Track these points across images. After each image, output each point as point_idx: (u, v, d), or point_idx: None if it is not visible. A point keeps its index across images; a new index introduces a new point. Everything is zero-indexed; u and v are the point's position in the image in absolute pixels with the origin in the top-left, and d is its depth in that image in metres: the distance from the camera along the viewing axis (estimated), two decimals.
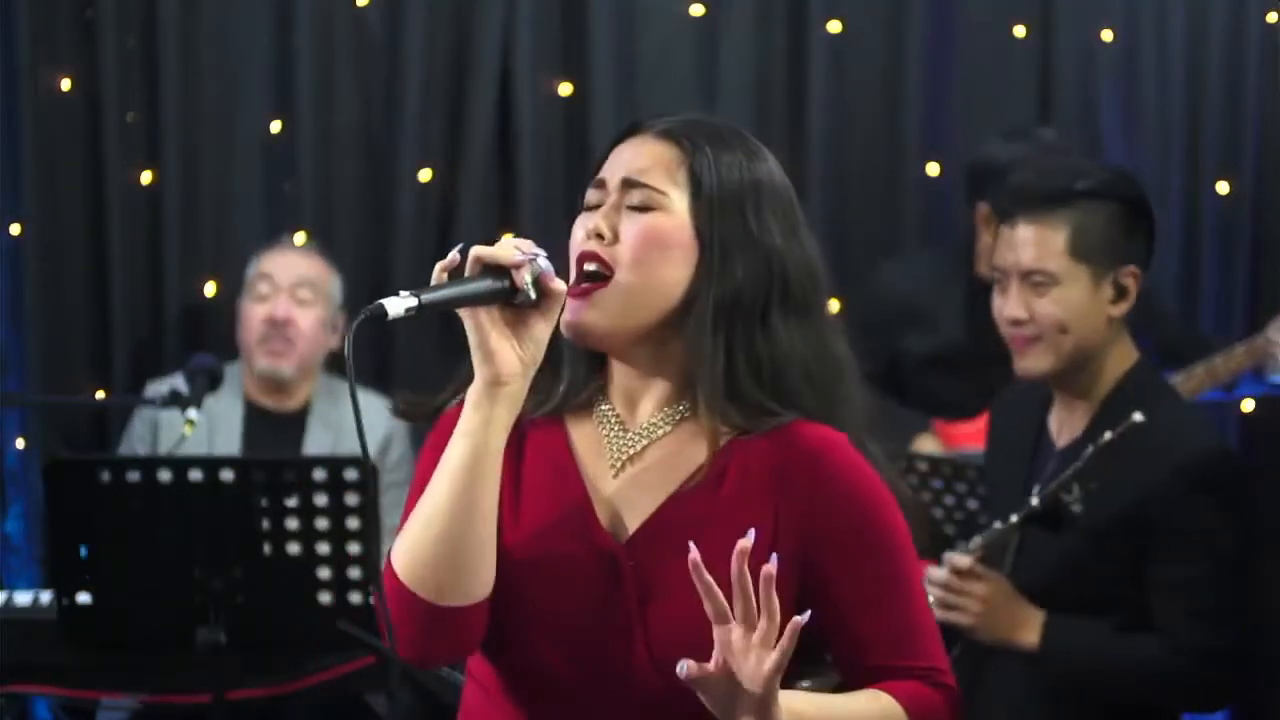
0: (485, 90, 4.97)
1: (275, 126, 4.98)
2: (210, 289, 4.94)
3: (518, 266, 2.03)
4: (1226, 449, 3.22)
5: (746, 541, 1.94)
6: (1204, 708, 3.29)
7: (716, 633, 1.97)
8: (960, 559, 3.11)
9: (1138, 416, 3.01)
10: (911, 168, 5.08)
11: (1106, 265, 3.11)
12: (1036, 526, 3.09)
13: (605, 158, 2.18)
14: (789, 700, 2.01)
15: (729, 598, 1.98)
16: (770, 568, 1.93)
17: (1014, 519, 3.10)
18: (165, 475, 3.59)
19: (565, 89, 5.04)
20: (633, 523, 2.12)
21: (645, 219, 2.11)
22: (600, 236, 2.12)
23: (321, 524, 3.61)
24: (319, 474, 3.61)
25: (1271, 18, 5.08)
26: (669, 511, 2.11)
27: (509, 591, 2.08)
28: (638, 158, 2.13)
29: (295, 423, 4.59)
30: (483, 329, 2.04)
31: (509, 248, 2.05)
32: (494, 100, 4.98)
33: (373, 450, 4.47)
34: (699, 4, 5.07)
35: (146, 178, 4.94)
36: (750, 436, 2.12)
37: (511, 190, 5.00)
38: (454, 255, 2.04)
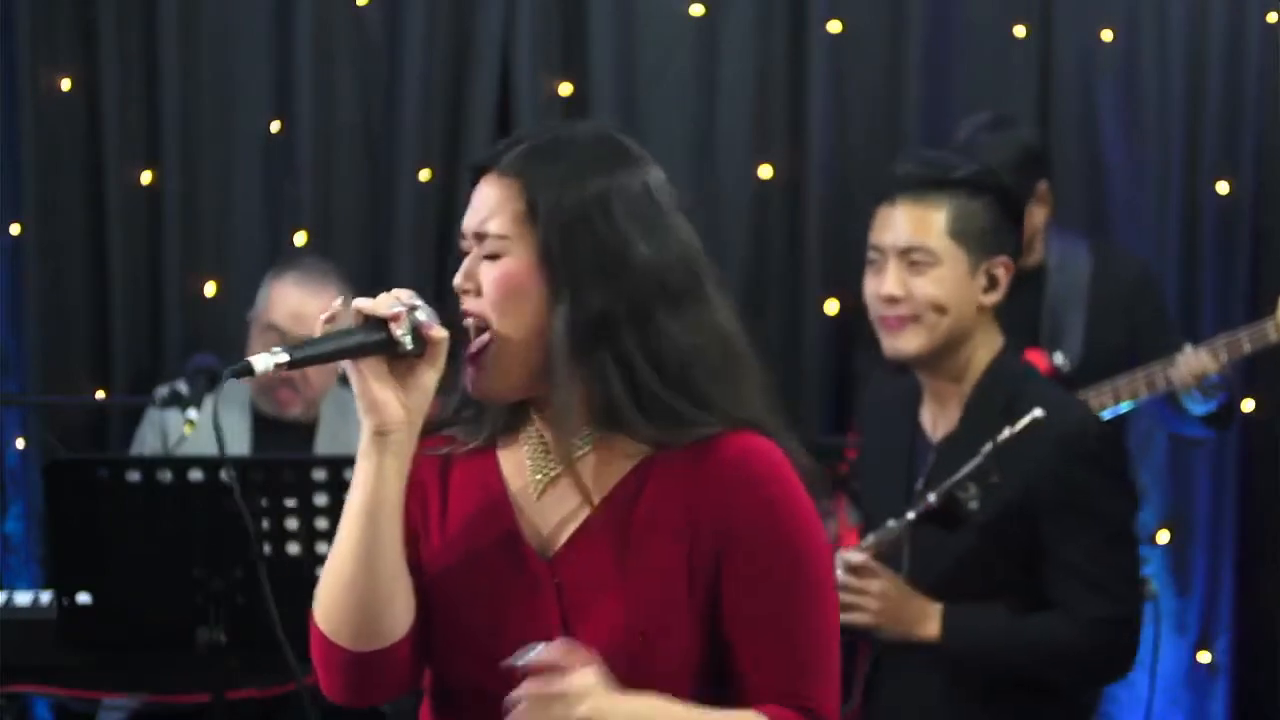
0: (485, 90, 4.97)
1: (275, 126, 4.98)
2: (210, 289, 4.94)
3: (394, 319, 2.05)
4: (1097, 418, 3.26)
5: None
6: (1108, 677, 3.32)
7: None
8: (854, 555, 3.15)
9: (1038, 412, 3.06)
10: None
11: (982, 253, 3.16)
12: (930, 524, 3.11)
13: (471, 190, 2.19)
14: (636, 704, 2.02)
15: (639, 590, 2.06)
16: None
17: (910, 516, 3.13)
18: (165, 475, 3.59)
19: (565, 89, 5.04)
20: (557, 542, 2.14)
21: (496, 268, 2.13)
22: (466, 293, 2.15)
23: (321, 524, 3.62)
24: (319, 474, 3.61)
25: (1271, 18, 5.08)
26: (589, 530, 2.13)
27: (444, 616, 2.13)
28: (482, 206, 2.14)
29: (304, 435, 4.58)
30: (364, 380, 2.06)
31: (386, 300, 2.08)
32: (494, 100, 4.98)
33: None
34: (699, 4, 5.07)
35: (146, 178, 4.94)
36: (672, 451, 2.11)
37: None
38: (336, 305, 2.08)
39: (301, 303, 4.49)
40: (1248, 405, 5.07)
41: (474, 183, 2.17)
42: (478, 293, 2.13)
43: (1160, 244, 5.08)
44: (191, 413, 4.00)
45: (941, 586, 3.15)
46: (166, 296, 4.93)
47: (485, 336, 2.12)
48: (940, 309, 3.15)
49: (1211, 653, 5.06)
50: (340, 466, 3.62)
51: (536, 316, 2.10)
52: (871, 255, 3.24)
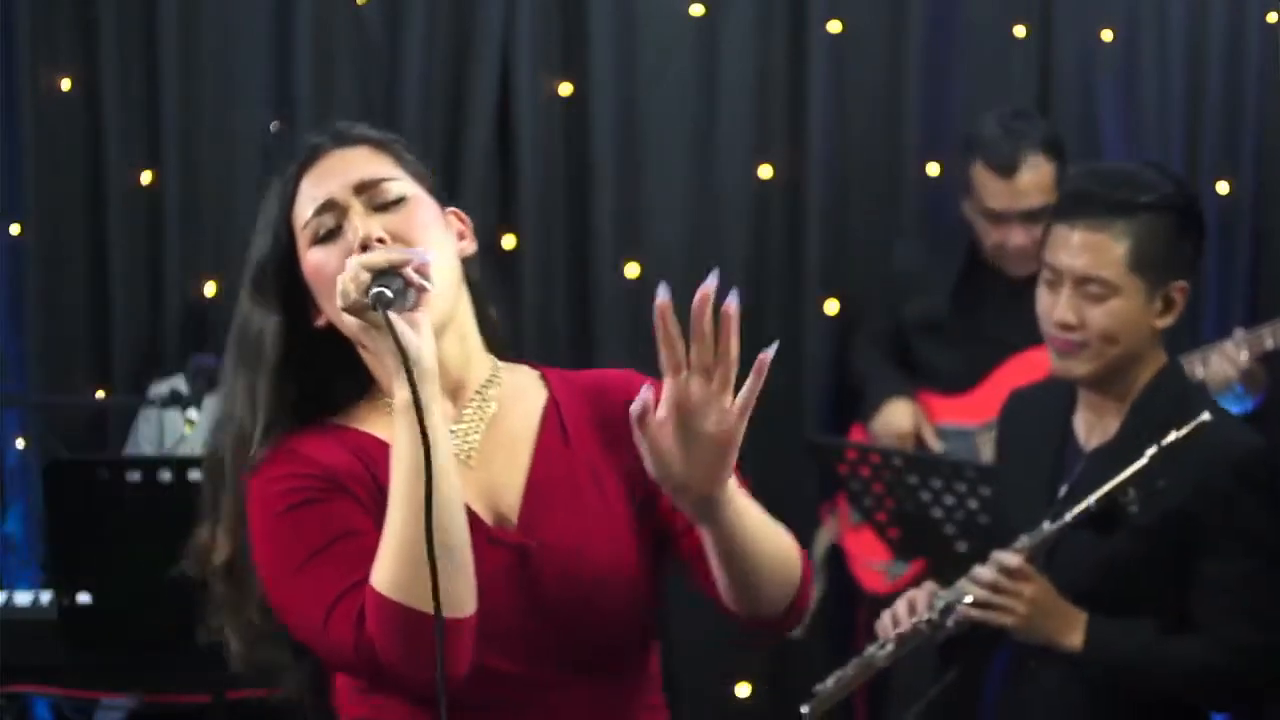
0: (485, 90, 4.97)
1: (275, 126, 4.97)
2: (210, 289, 4.94)
3: (406, 264, 2.00)
4: (1267, 447, 3.20)
5: (709, 286, 1.88)
6: (1245, 703, 3.23)
7: (667, 386, 1.92)
8: (1010, 558, 3.07)
9: (1206, 415, 2.99)
10: (911, 168, 5.09)
11: (1160, 279, 3.08)
12: (1086, 529, 3.06)
13: (289, 196, 2.18)
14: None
15: (602, 524, 2.09)
16: (731, 307, 1.89)
17: (1068, 519, 3.05)
18: (165, 475, 3.59)
19: (565, 89, 5.04)
20: (511, 501, 2.13)
21: (405, 210, 2.14)
22: (381, 241, 2.09)
23: None
24: None
25: (1271, 18, 5.08)
26: (538, 472, 2.14)
27: None
28: (350, 165, 2.16)
29: None
30: (401, 331, 1.97)
31: (389, 251, 2.04)
32: (494, 100, 4.98)
33: None
34: (699, 4, 5.07)
35: (146, 178, 4.94)
36: (548, 380, 2.21)
37: (511, 190, 5.00)
38: (350, 264, 2.01)
39: None
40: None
41: (294, 180, 2.19)
42: (391, 240, 2.10)
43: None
44: (192, 412, 4.00)
45: (1082, 591, 3.09)
46: (166, 296, 4.93)
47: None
48: (1113, 340, 3.08)
49: None
50: None
51: (450, 249, 2.15)
52: (1046, 274, 3.13)
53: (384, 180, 2.14)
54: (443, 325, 2.09)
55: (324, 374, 2.16)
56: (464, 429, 2.15)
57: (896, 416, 4.64)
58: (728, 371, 1.91)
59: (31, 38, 4.83)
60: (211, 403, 4.25)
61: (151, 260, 4.94)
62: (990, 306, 4.56)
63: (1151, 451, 2.98)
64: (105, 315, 4.93)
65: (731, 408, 1.92)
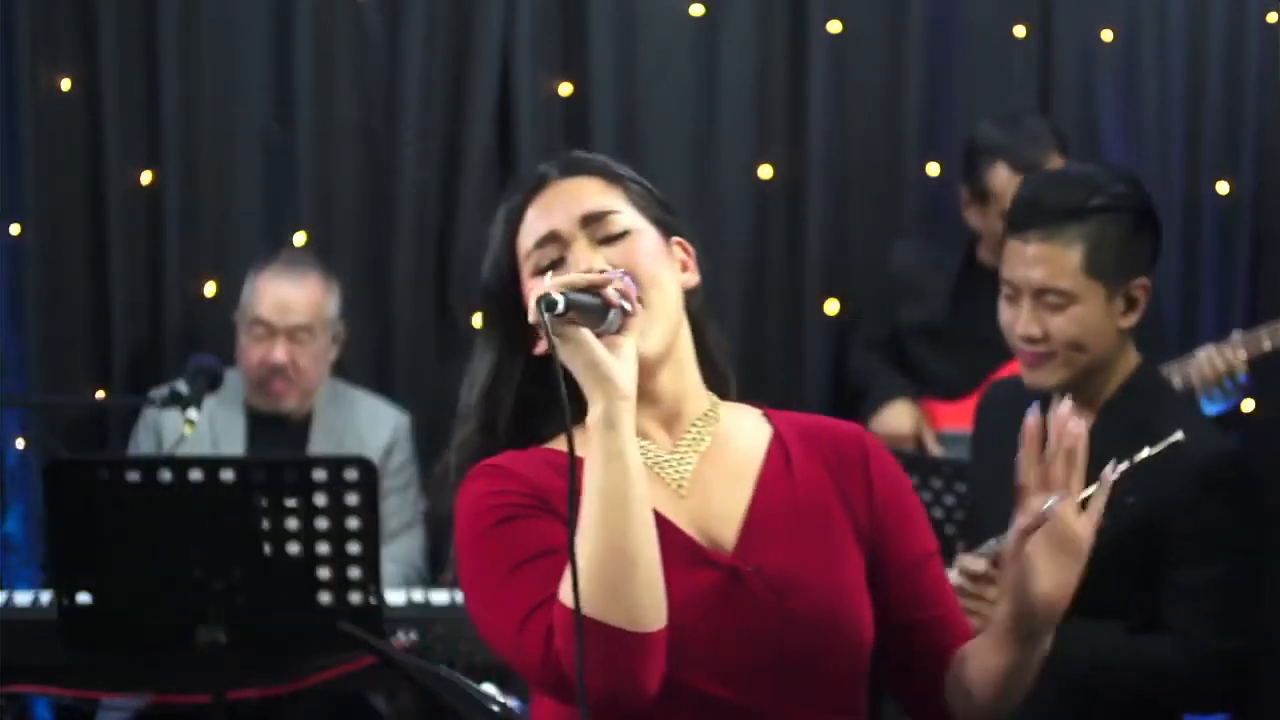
0: (485, 90, 4.97)
1: (275, 126, 4.98)
2: (210, 289, 4.93)
3: (605, 284, 2.01)
4: (1236, 450, 3.20)
5: (1066, 410, 2.05)
6: (1212, 708, 3.25)
7: (1028, 504, 2.06)
8: (973, 563, 3.07)
9: (1179, 435, 2.97)
10: (911, 168, 5.09)
11: (1119, 280, 3.07)
12: None
13: (513, 224, 2.19)
14: None
15: (822, 554, 2.11)
16: (1073, 425, 2.06)
17: None
18: (165, 475, 3.59)
19: (565, 89, 5.04)
20: (727, 532, 2.13)
21: (628, 243, 2.15)
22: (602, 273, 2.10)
23: (322, 524, 3.61)
24: (319, 474, 3.61)
25: (1271, 18, 5.08)
26: (760, 504, 2.15)
27: None
28: (576, 197, 2.17)
29: (299, 430, 4.58)
30: (595, 347, 1.99)
31: (589, 273, 2.04)
32: (494, 100, 4.98)
33: (375, 453, 4.48)
34: (699, 4, 5.07)
35: (146, 178, 4.94)
36: (773, 422, 2.23)
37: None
38: (543, 284, 2.00)
39: (285, 294, 4.51)
40: (1248, 405, 5.06)
41: (520, 208, 2.20)
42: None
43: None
44: (192, 413, 4.00)
45: None
46: (166, 296, 4.93)
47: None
48: (1078, 347, 3.07)
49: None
50: (341, 466, 3.62)
51: (673, 284, 2.16)
52: (1006, 289, 3.13)
53: (609, 213, 2.16)
54: (660, 357, 2.12)
55: (540, 397, 2.17)
56: (677, 458, 2.17)
57: (896, 418, 4.64)
58: (1078, 487, 2.07)
59: (31, 38, 4.83)
60: (211, 403, 4.25)
61: (151, 260, 4.94)
62: (989, 311, 4.57)
63: (1123, 467, 2.99)
64: (105, 315, 4.93)
65: (1085, 521, 2.05)
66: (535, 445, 2.18)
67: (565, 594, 1.97)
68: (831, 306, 5.07)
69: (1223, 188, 5.11)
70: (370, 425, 4.60)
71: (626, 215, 2.16)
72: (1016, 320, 3.11)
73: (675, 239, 2.22)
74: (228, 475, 3.59)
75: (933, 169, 5.10)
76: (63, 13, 4.90)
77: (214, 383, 4.12)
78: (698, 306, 2.21)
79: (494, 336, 2.21)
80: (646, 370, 2.10)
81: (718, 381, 2.24)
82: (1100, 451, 3.03)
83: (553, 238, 2.15)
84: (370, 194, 5.03)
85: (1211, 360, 4.25)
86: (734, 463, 2.18)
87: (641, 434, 2.12)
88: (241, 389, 4.55)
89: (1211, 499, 3.03)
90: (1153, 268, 3.14)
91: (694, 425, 2.18)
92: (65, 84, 4.90)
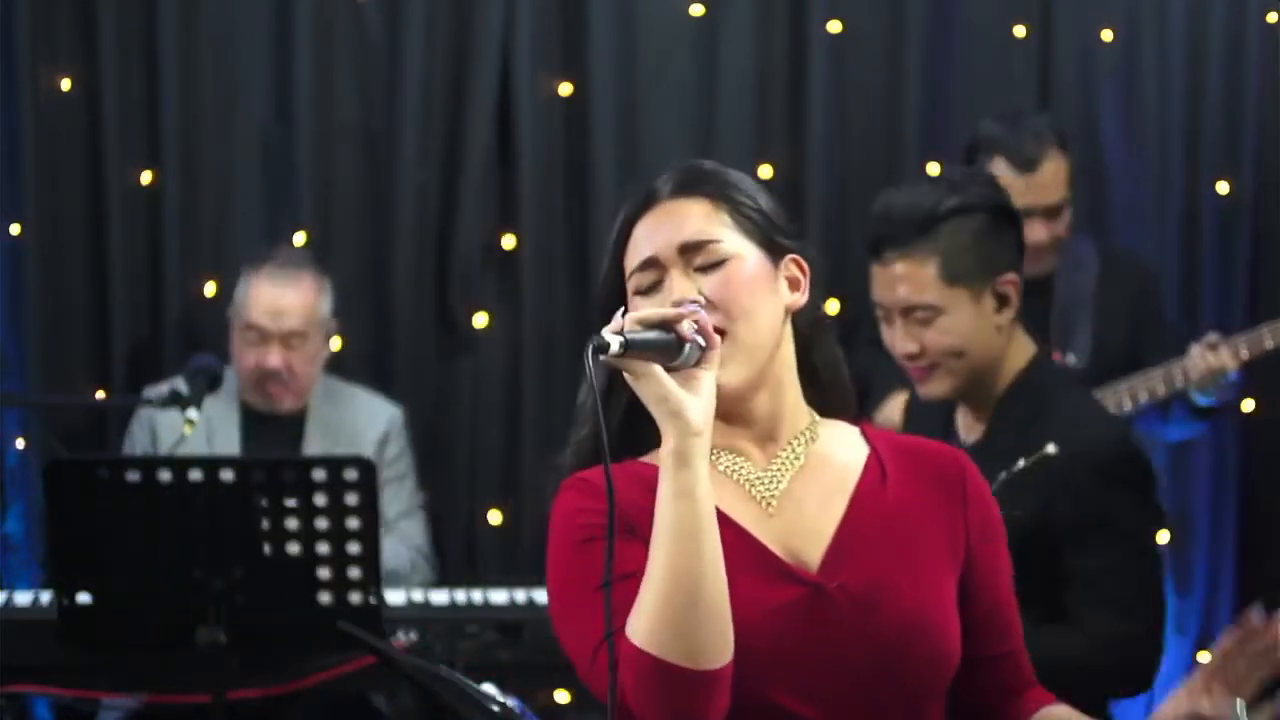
0: (485, 90, 4.97)
1: (275, 126, 4.98)
2: (210, 289, 4.94)
3: (681, 319, 2.02)
4: (1123, 434, 3.22)
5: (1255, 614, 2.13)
6: (1124, 692, 3.25)
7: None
8: None
9: (1050, 449, 3.02)
10: (911, 168, 5.08)
11: (982, 281, 3.10)
12: None
13: (624, 237, 2.20)
14: None
15: (911, 571, 2.13)
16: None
17: None
18: (165, 475, 3.59)
19: (565, 89, 5.04)
20: (815, 549, 2.14)
21: (723, 273, 2.15)
22: (694, 303, 2.11)
23: (321, 524, 3.61)
24: (319, 474, 3.61)
25: (1271, 18, 5.08)
26: (850, 523, 2.16)
27: (736, 666, 2.03)
28: (679, 223, 2.17)
29: (293, 426, 4.58)
30: (666, 382, 2.00)
31: (664, 308, 2.06)
32: (494, 100, 4.97)
33: (370, 447, 4.48)
34: (699, 4, 5.07)
35: (146, 178, 4.94)
36: (871, 442, 2.24)
37: (511, 190, 5.00)
38: (618, 320, 2.02)
39: (279, 299, 4.51)
40: (1248, 405, 5.07)
41: (628, 224, 2.20)
42: (709, 305, 2.12)
43: (1160, 244, 5.08)
44: (192, 412, 4.00)
45: None
46: (166, 296, 4.93)
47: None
48: (957, 354, 3.11)
49: (1212, 653, 5.05)
50: (340, 466, 3.62)
51: (771, 313, 2.19)
52: (878, 310, 3.19)
53: (709, 243, 2.16)
54: (743, 389, 2.14)
55: (639, 412, 2.14)
56: (770, 476, 2.18)
57: (893, 410, 4.65)
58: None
59: (31, 38, 4.83)
60: (211, 402, 4.25)
61: (151, 260, 4.94)
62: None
63: (1001, 478, 3.01)
64: (105, 315, 4.93)
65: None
66: (641, 452, 2.18)
67: (632, 628, 1.99)
68: (832, 306, 5.07)
69: (1223, 188, 5.11)
70: (364, 419, 4.61)
71: (727, 243, 2.16)
72: (894, 340, 3.16)
73: (789, 257, 2.23)
74: (228, 475, 3.59)
75: (933, 169, 5.09)
76: (63, 13, 4.90)
77: (214, 383, 4.12)
78: (806, 324, 2.23)
79: None
80: (736, 396, 2.13)
81: (825, 399, 2.25)
82: (996, 445, 3.09)
83: (652, 263, 2.16)
84: (370, 194, 5.03)
85: (1206, 359, 4.26)
86: (828, 480, 2.19)
87: (736, 451, 2.18)
88: (235, 385, 4.55)
89: (1098, 486, 3.06)
90: (1019, 262, 3.16)
91: (790, 444, 2.19)
92: (65, 84, 4.90)
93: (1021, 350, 3.19)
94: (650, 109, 5.05)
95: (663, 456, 2.01)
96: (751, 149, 5.08)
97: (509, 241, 4.99)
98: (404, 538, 4.52)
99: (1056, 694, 3.10)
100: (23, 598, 4.18)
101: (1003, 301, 3.14)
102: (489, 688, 2.89)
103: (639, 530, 2.06)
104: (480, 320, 4.99)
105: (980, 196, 3.13)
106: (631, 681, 1.99)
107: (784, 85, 5.10)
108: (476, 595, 4.20)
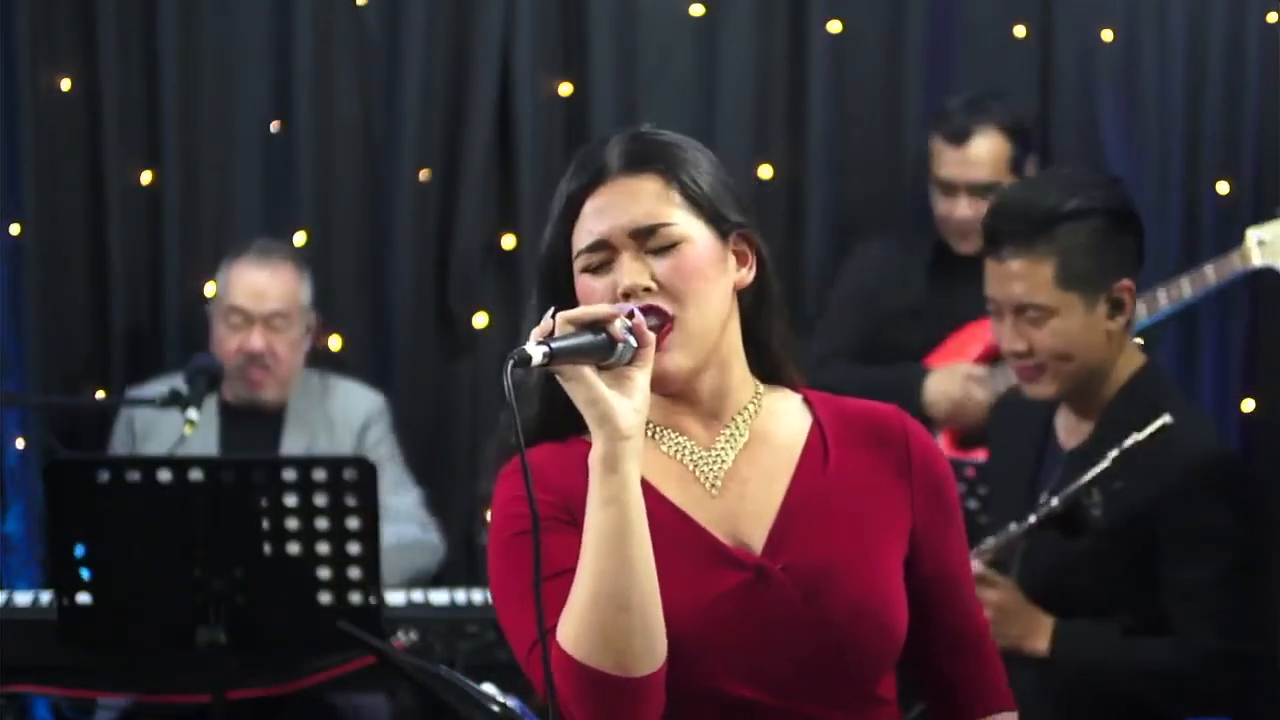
0: (485, 90, 4.97)
1: (275, 126, 4.98)
2: (210, 289, 4.93)
3: (612, 319, 2.00)
4: (1234, 450, 3.20)
5: None
6: (1215, 711, 3.22)
7: None
8: (972, 564, 3.09)
9: (1166, 418, 2.98)
10: (911, 168, 5.08)
11: (1097, 286, 3.08)
12: (1051, 530, 3.05)
13: (572, 210, 2.16)
14: None
15: (857, 549, 2.10)
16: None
17: (1031, 521, 3.06)
18: (165, 475, 3.59)
19: (565, 89, 5.04)
20: (758, 530, 2.12)
21: (675, 259, 2.12)
22: (647, 290, 2.10)
23: (321, 524, 3.61)
24: (319, 474, 3.61)
25: (1271, 18, 5.07)
26: (793, 500, 2.14)
27: (679, 653, 2.03)
28: (629, 204, 2.13)
29: (273, 419, 4.58)
30: (596, 386, 1.98)
31: (598, 306, 2.04)
32: (494, 100, 4.97)
33: (351, 434, 4.48)
34: (699, 4, 5.07)
35: (146, 178, 4.94)
36: (812, 404, 2.21)
37: (511, 190, 5.00)
38: (547, 321, 2.01)
39: (260, 281, 4.52)
40: (1248, 405, 5.07)
41: (577, 198, 2.16)
42: (658, 289, 2.11)
43: (1160, 244, 5.07)
44: (192, 413, 4.00)
45: (1052, 594, 3.09)
46: (166, 296, 4.93)
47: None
48: (1065, 357, 3.09)
49: None
50: (340, 466, 3.62)
51: (720, 296, 2.15)
52: (990, 306, 3.16)
53: (660, 226, 2.13)
54: (689, 374, 2.12)
55: None
56: (714, 455, 2.16)
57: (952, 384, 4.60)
58: None
59: (31, 38, 4.83)
60: (211, 402, 4.25)
61: (151, 260, 4.94)
62: (961, 286, 4.57)
63: (1113, 454, 2.99)
64: (105, 315, 4.93)
65: None
66: (579, 437, 2.14)
67: (562, 633, 1.98)
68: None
69: (1223, 188, 5.10)
70: (342, 408, 4.60)
71: (678, 226, 2.13)
72: (1002, 337, 3.13)
73: (737, 232, 2.18)
74: (228, 475, 3.60)
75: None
76: (63, 13, 4.90)
77: (214, 383, 4.13)
78: (749, 301, 2.19)
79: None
80: (681, 379, 2.11)
81: (769, 370, 2.22)
82: (1102, 449, 3.05)
83: (602, 245, 2.13)
84: (370, 194, 5.03)
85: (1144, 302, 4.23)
86: (770, 458, 2.17)
87: (680, 430, 2.16)
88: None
89: (1208, 495, 3.02)
90: (1138, 267, 3.13)
91: (733, 420, 2.17)
92: (65, 84, 4.89)
93: (1131, 357, 3.15)
94: (650, 109, 5.04)
95: (591, 461, 1.98)
96: (751, 149, 5.08)
97: (509, 241, 4.99)
98: (399, 513, 4.49)
99: (1145, 705, 3.08)
100: (23, 598, 4.18)
101: (1117, 307, 3.10)
102: (489, 688, 2.89)
103: (581, 519, 2.03)
104: (480, 320, 4.99)
105: (1101, 199, 3.09)
106: (562, 681, 1.98)
107: (784, 85, 5.10)
108: (476, 595, 4.20)
